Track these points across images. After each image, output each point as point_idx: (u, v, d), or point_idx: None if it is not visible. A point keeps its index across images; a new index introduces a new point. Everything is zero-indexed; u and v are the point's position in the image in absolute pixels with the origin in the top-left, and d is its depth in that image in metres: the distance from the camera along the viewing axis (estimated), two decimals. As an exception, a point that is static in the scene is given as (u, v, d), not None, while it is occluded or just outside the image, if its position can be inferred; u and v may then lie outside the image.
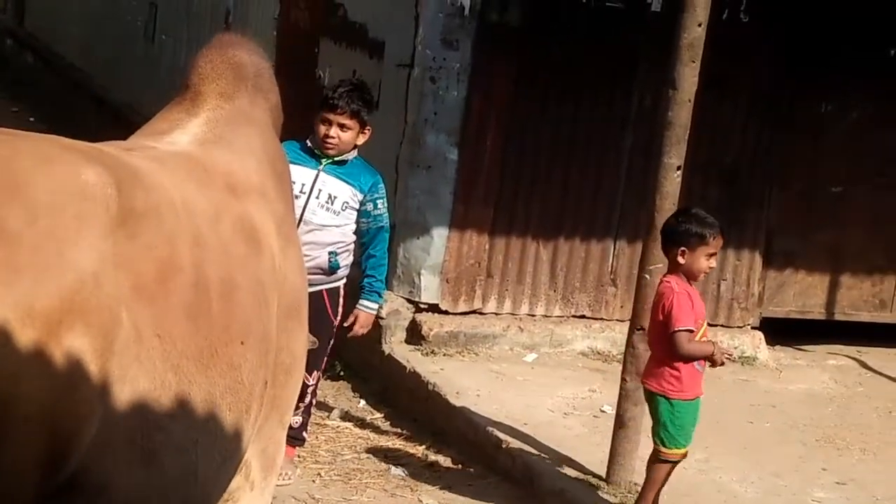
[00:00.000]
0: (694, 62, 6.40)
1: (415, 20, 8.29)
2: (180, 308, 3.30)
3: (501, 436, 7.18)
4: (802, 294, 9.30)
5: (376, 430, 7.58)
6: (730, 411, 7.86)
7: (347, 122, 6.60)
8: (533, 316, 8.65)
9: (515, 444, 7.11)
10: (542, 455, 7.02)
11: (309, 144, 6.70)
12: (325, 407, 7.76)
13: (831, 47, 8.83)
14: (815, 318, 9.39)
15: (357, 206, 6.65)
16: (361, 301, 6.78)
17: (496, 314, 8.58)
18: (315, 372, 6.68)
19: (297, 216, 5.98)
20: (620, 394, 6.70)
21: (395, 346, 8.24)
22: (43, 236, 2.97)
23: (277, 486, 6.32)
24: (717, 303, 8.98)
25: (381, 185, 6.77)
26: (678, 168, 6.50)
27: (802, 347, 9.34)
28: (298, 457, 6.97)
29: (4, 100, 14.22)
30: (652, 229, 6.53)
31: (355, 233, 6.70)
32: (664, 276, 6.25)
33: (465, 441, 7.34)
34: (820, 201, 9.17)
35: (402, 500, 6.73)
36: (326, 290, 6.64)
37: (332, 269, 6.65)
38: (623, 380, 6.70)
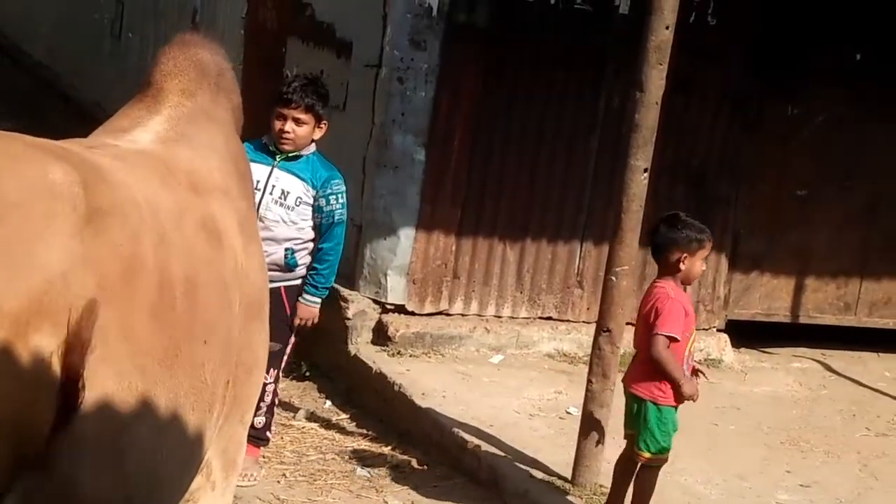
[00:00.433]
0: (661, 64, 6.41)
1: (383, 20, 8.28)
2: (145, 307, 3.29)
3: (467, 437, 7.18)
4: (768, 297, 9.33)
5: (342, 430, 7.56)
6: (695, 413, 7.84)
7: (302, 116, 6.60)
8: (499, 317, 8.65)
9: (481, 445, 7.10)
10: (508, 456, 7.01)
11: (265, 142, 6.69)
12: (291, 407, 7.74)
13: (799, 50, 8.87)
14: (781, 320, 9.42)
15: (311, 202, 6.63)
16: (302, 294, 6.75)
17: (462, 315, 8.57)
18: (273, 370, 6.64)
19: None
20: (586, 395, 6.70)
21: (362, 346, 8.23)
22: (10, 235, 2.95)
23: (242, 486, 6.34)
24: (684, 305, 8.99)
25: (337, 181, 6.72)
26: (645, 170, 6.51)
27: (767, 350, 9.38)
28: (263, 457, 6.95)
29: (-29, 98, 14.15)
30: (618, 231, 6.54)
31: (314, 229, 6.68)
32: (658, 281, 6.21)
33: (431, 442, 7.34)
34: (786, 204, 9.20)
35: (368, 502, 6.72)
36: (285, 287, 6.62)
37: (288, 265, 6.63)
38: (589, 381, 6.70)
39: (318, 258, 6.71)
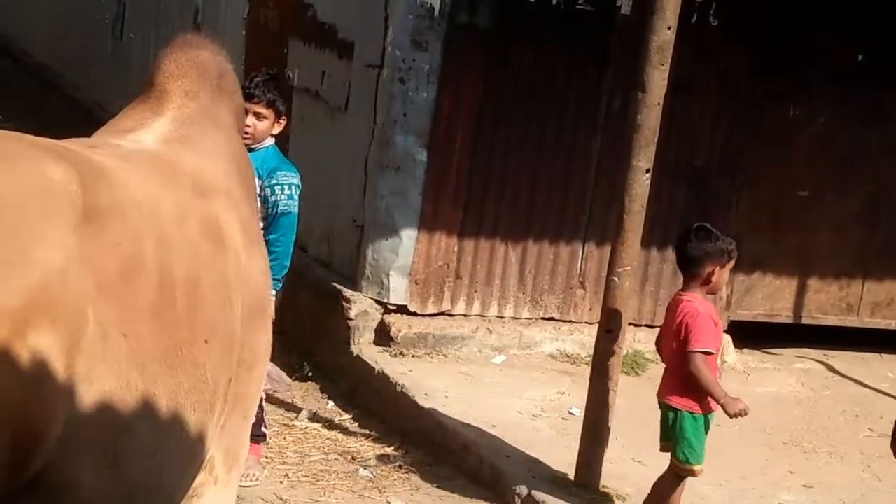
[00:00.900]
0: (663, 65, 6.41)
1: (384, 21, 8.28)
2: (145, 306, 3.29)
3: (469, 437, 7.18)
4: (770, 297, 9.32)
5: (344, 431, 7.56)
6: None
7: (263, 111, 6.65)
8: (502, 318, 8.64)
9: (483, 445, 7.10)
10: (510, 457, 7.01)
11: None
12: (294, 408, 7.74)
13: (800, 51, 8.85)
14: (783, 321, 9.41)
15: (258, 191, 6.62)
16: None
17: (465, 316, 8.57)
18: None
19: None
20: (589, 396, 6.70)
21: (364, 347, 8.22)
22: (8, 233, 2.95)
23: (245, 486, 6.35)
24: (686, 306, 8.99)
25: (285, 173, 6.65)
26: (647, 171, 6.51)
27: (770, 351, 9.37)
28: (266, 457, 6.96)
29: (-28, 98, 14.15)
30: (621, 232, 6.54)
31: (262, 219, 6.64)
32: (684, 294, 6.23)
33: (433, 443, 7.33)
34: (788, 205, 9.19)
35: (370, 502, 6.72)
36: None
37: None
38: (591, 382, 6.70)
39: (269, 250, 6.66)
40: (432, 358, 8.27)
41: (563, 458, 6.89)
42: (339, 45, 8.73)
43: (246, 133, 6.54)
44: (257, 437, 6.77)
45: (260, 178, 6.55)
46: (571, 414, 7.61)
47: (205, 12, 10.72)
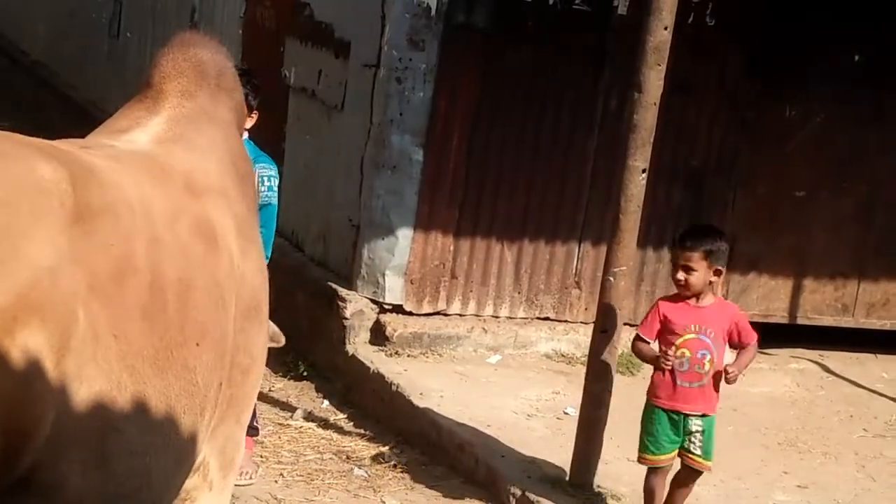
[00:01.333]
0: (660, 65, 6.41)
1: (381, 20, 8.28)
2: (136, 308, 3.28)
3: (464, 437, 7.18)
4: (766, 298, 9.33)
5: (339, 430, 7.56)
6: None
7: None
8: (497, 317, 8.64)
9: (478, 445, 7.10)
10: (505, 456, 7.01)
11: None
12: (289, 407, 7.74)
13: (797, 51, 8.86)
14: (778, 321, 9.41)
15: None
16: None
17: (460, 315, 8.57)
18: None
19: None
20: (584, 396, 6.70)
21: (359, 346, 8.22)
22: None
23: (239, 486, 6.34)
24: (681, 306, 8.99)
25: (265, 166, 6.66)
26: (643, 171, 6.50)
27: (765, 351, 9.33)
28: (261, 457, 6.96)
29: (-31, 97, 14.15)
30: (617, 232, 6.54)
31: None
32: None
33: (428, 442, 7.34)
34: (784, 205, 9.20)
35: (365, 501, 6.72)
36: None
37: None
38: (587, 382, 6.70)
39: None
40: (428, 357, 8.27)
41: (558, 457, 6.90)
42: (335, 45, 8.73)
43: None
44: (251, 429, 6.77)
45: None
46: (566, 414, 7.61)
47: (201, 11, 10.71)
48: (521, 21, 8.39)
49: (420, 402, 7.53)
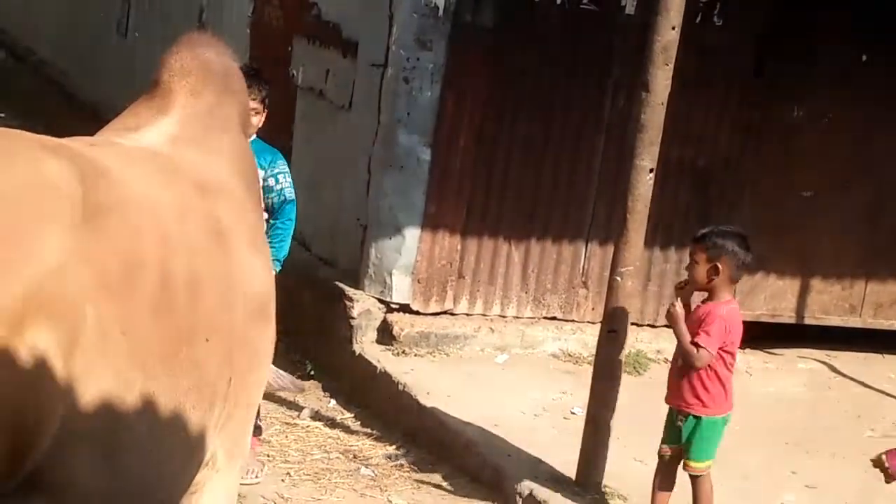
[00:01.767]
0: (667, 65, 6.41)
1: (389, 20, 8.28)
2: (145, 305, 3.28)
3: (471, 436, 7.18)
4: (773, 298, 9.32)
5: (346, 429, 7.57)
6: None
7: (258, 106, 6.71)
8: (504, 317, 8.64)
9: (485, 444, 7.10)
10: (512, 456, 7.01)
11: None
12: (295, 406, 7.75)
13: (804, 51, 8.85)
14: (786, 321, 9.41)
15: (261, 184, 6.71)
16: None
17: (467, 315, 8.57)
18: None
19: None
20: (591, 396, 6.70)
21: (366, 346, 8.22)
22: (6, 230, 2.94)
23: (246, 484, 6.35)
24: (689, 306, 8.99)
25: (281, 161, 6.86)
26: (651, 170, 6.51)
27: (773, 351, 9.36)
28: (267, 456, 6.96)
29: (-24, 96, 14.15)
30: (624, 231, 6.54)
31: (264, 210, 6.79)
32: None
33: (435, 441, 7.34)
34: (791, 205, 9.19)
35: (372, 500, 6.72)
36: None
37: None
38: (593, 382, 6.70)
39: (275, 235, 6.77)
40: (434, 357, 8.27)
41: (565, 457, 6.89)
42: (343, 44, 8.73)
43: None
44: (255, 428, 6.79)
45: (262, 168, 6.66)
46: (573, 413, 7.61)
47: (209, 10, 10.72)
48: (528, 21, 8.39)
49: (427, 402, 7.53)
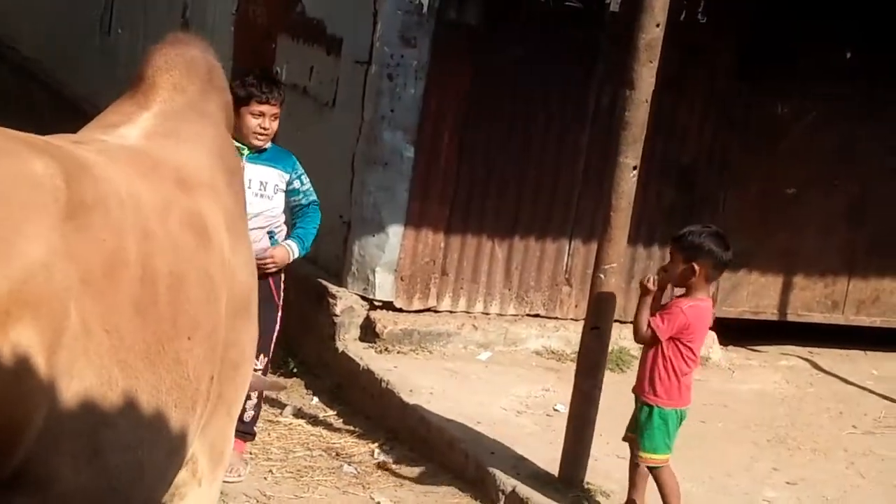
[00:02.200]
0: (652, 62, 6.41)
1: (373, 17, 8.27)
2: (128, 302, 3.28)
3: (454, 434, 7.18)
4: (756, 295, 9.34)
5: (329, 427, 7.56)
6: (682, 411, 7.87)
7: (277, 111, 6.72)
8: (487, 314, 8.64)
9: (468, 442, 7.10)
10: (495, 453, 7.01)
11: None
12: (278, 404, 7.74)
13: (788, 49, 8.87)
14: (769, 318, 9.43)
15: (285, 187, 6.81)
16: (285, 240, 6.82)
17: (451, 312, 8.57)
18: (263, 356, 6.67)
19: None
20: (574, 393, 6.71)
21: (349, 343, 8.22)
22: None
23: (229, 482, 6.34)
24: (672, 303, 9.00)
25: (298, 163, 6.93)
26: (634, 168, 6.51)
27: (755, 348, 9.38)
28: (250, 454, 6.95)
29: (-41, 93, 14.11)
30: (607, 228, 6.54)
31: (285, 211, 6.88)
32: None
33: (418, 439, 7.34)
34: (775, 202, 9.20)
35: (354, 498, 6.72)
36: (270, 275, 6.71)
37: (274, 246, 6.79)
38: (576, 379, 6.70)
39: (304, 225, 6.88)
40: (418, 354, 8.27)
41: (548, 454, 6.90)
42: (327, 41, 8.73)
43: (264, 135, 6.67)
44: (247, 435, 6.79)
45: (286, 171, 6.84)
46: (556, 410, 7.62)
47: (193, 7, 10.69)
48: (512, 18, 8.39)
49: (410, 399, 7.53)
